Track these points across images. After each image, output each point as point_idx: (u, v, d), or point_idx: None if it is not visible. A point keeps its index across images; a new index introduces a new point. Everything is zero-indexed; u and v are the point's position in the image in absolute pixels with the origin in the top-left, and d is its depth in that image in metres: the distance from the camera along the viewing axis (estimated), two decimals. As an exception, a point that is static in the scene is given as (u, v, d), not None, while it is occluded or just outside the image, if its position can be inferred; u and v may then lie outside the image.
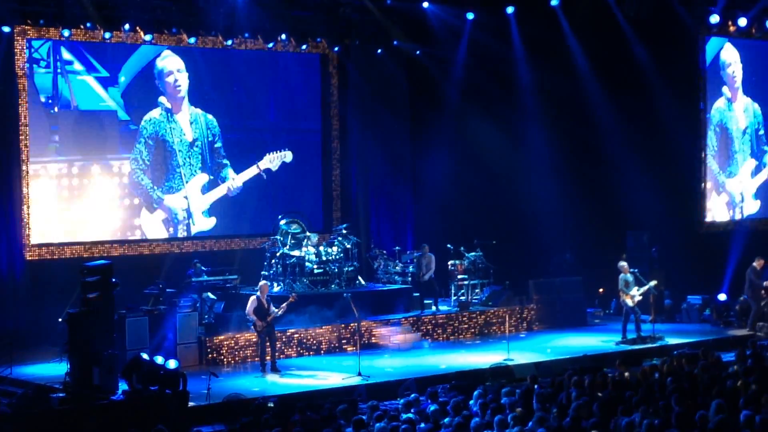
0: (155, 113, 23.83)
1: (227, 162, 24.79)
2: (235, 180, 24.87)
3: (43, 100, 22.68)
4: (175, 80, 24.12)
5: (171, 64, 24.06)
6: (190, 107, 24.33)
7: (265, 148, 25.49)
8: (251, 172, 25.10)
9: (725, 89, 28.30)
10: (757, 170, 29.08)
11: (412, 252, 25.09)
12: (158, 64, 23.94)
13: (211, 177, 24.62)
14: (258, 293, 19.79)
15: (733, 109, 28.50)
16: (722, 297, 24.98)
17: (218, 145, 24.69)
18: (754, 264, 23.72)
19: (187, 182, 24.24)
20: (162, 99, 23.88)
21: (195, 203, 24.37)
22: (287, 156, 25.48)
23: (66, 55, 22.89)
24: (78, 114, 23.15)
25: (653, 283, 22.40)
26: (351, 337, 21.48)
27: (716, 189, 28.08)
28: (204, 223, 24.56)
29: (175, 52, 24.02)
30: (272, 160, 25.29)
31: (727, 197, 28.39)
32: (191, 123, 24.33)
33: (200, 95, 24.44)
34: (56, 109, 22.87)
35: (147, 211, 23.83)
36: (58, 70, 22.83)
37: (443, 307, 23.80)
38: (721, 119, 28.21)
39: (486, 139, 26.66)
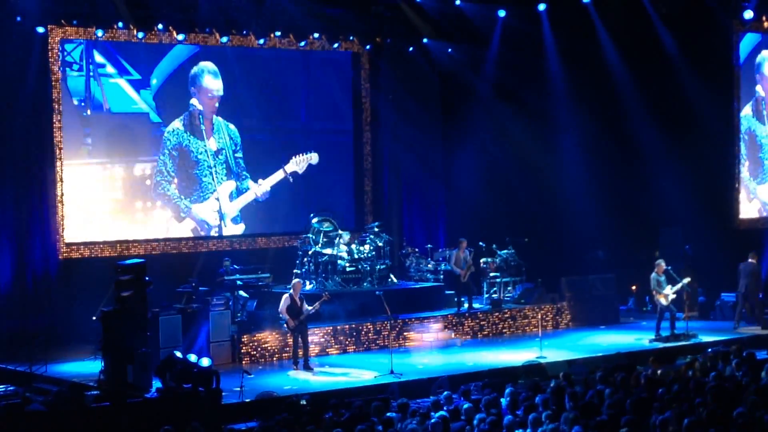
0: (177, 124, 23.78)
1: (247, 174, 24.73)
2: (262, 185, 24.88)
3: (75, 103, 22.80)
4: (212, 99, 24.14)
5: (211, 84, 24.08)
6: (214, 117, 24.37)
7: (296, 150, 25.50)
8: (278, 176, 25.08)
9: (759, 88, 27.90)
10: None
11: (444, 250, 25.04)
12: (198, 79, 23.98)
13: (238, 183, 24.65)
14: (291, 291, 19.84)
15: (763, 116, 28.07)
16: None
17: (239, 155, 24.68)
18: (750, 260, 23.40)
19: (214, 190, 24.28)
20: (194, 101, 23.91)
21: (224, 210, 24.40)
22: (313, 158, 25.45)
23: (98, 58, 23.01)
24: (110, 117, 23.26)
25: (686, 280, 22.22)
26: (383, 335, 21.49)
27: (747, 195, 27.69)
28: (234, 230, 24.61)
29: (209, 56, 24.02)
30: (298, 163, 25.27)
31: (759, 204, 28.01)
32: (215, 133, 24.31)
33: (233, 97, 24.43)
34: (89, 112, 22.98)
35: (175, 221, 23.86)
36: (91, 73, 22.94)
37: (476, 305, 23.73)
38: (749, 126, 27.80)
39: (518, 136, 26.57)
